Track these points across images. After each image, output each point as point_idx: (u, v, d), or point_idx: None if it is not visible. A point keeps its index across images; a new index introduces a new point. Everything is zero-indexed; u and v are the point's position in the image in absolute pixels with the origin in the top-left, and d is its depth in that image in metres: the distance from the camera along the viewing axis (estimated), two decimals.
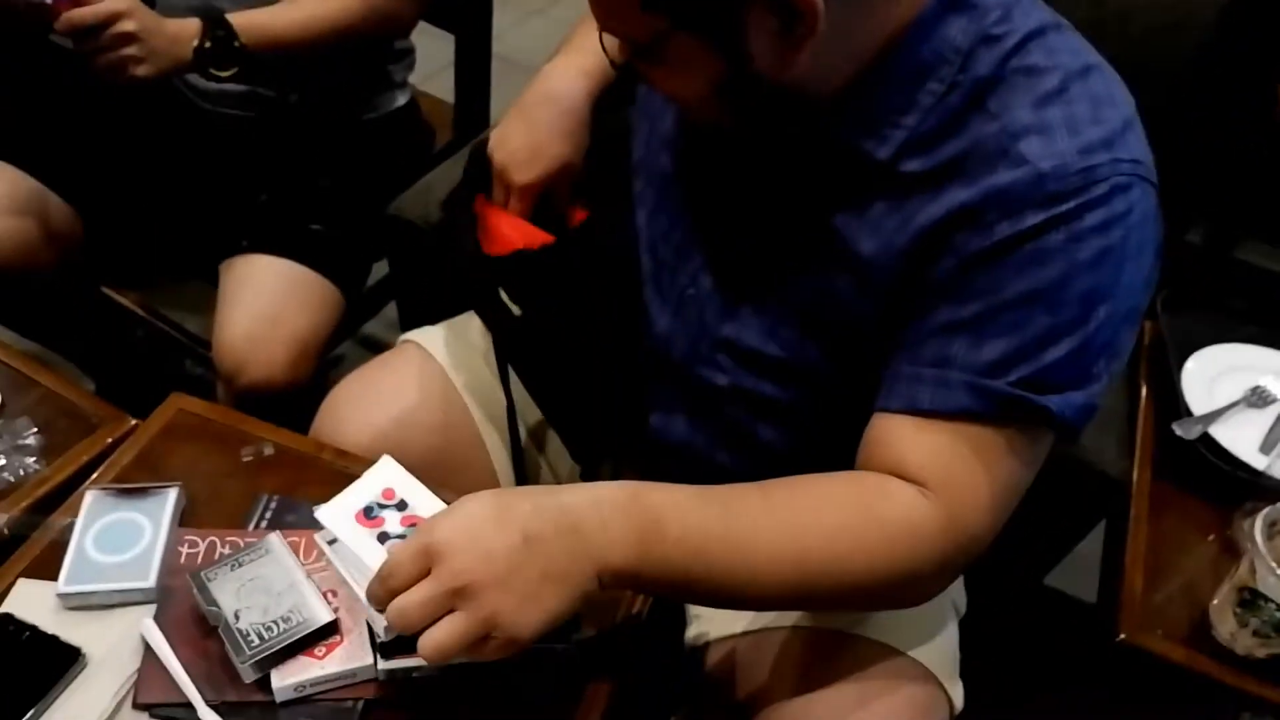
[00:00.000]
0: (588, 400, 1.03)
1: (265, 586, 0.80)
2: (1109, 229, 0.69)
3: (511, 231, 1.00)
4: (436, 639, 0.66)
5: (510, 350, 1.02)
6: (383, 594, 0.69)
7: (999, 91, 0.72)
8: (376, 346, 1.91)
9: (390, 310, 1.66)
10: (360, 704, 0.77)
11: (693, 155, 0.90)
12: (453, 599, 0.66)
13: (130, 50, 1.12)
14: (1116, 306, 0.71)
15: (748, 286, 0.87)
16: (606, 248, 1.00)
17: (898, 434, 0.75)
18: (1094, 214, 0.69)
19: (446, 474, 0.94)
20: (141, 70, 1.14)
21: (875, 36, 0.72)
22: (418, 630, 0.67)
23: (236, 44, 1.19)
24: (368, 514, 0.81)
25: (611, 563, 0.69)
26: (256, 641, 0.76)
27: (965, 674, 0.92)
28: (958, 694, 0.90)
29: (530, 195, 0.98)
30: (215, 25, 1.18)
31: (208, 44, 1.17)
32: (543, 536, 0.68)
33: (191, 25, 1.18)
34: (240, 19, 1.19)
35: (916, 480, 0.73)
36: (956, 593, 0.99)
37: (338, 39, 1.26)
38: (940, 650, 0.90)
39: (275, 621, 0.77)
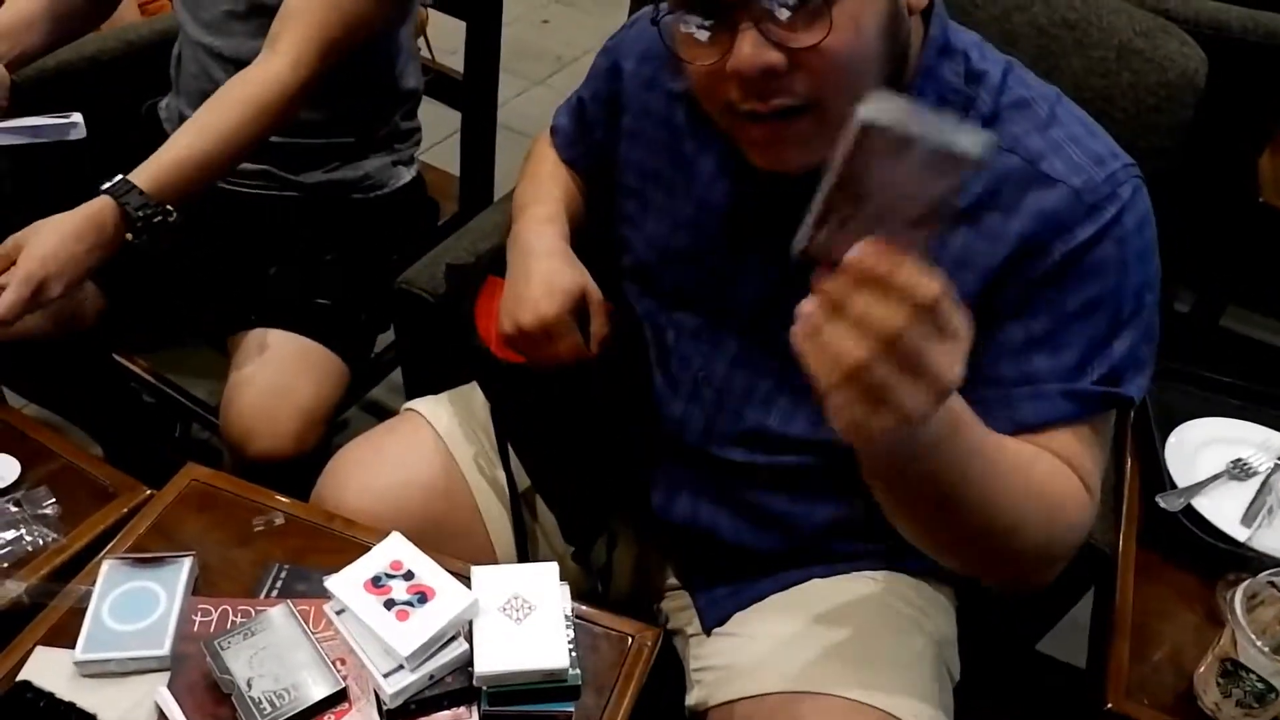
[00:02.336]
0: (583, 483, 1.06)
1: (276, 655, 0.82)
2: (1143, 228, 0.80)
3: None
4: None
5: (508, 430, 1.06)
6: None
7: (1001, 127, 0.81)
8: (380, 411, 1.94)
9: (395, 375, 1.69)
10: None
11: (706, 239, 0.93)
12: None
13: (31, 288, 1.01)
14: (1157, 291, 0.82)
15: (766, 366, 0.90)
16: (611, 338, 1.03)
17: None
18: (1130, 216, 0.79)
19: (444, 540, 0.96)
20: (57, 290, 1.03)
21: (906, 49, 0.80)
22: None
23: (167, 213, 1.10)
24: (375, 583, 0.84)
25: (915, 430, 0.60)
26: (268, 709, 0.78)
27: None
28: None
29: (564, 325, 0.95)
30: (133, 210, 1.08)
31: (137, 227, 1.08)
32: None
33: (97, 218, 1.06)
34: (152, 172, 1.10)
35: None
36: (951, 659, 1.01)
37: (276, 125, 1.19)
38: (935, 715, 0.92)
39: (286, 689, 0.79)
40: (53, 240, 1.04)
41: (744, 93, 0.75)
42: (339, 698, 0.81)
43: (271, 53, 1.19)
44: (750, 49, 0.72)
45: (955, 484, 0.69)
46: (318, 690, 0.80)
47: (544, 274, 0.96)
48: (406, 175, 1.50)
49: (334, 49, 1.20)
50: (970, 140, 0.50)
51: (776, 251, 0.87)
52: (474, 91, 1.61)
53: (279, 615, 0.85)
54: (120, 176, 1.10)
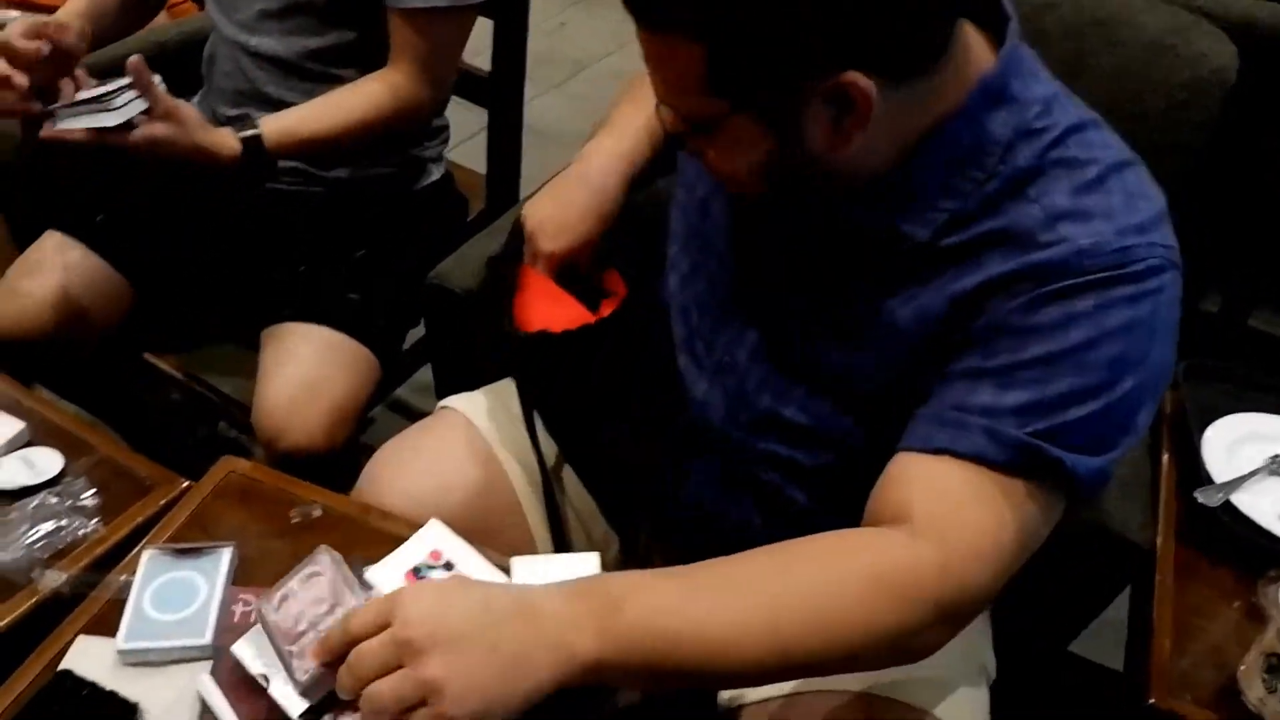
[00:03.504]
0: (621, 469, 1.06)
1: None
2: (1139, 302, 0.72)
3: (547, 307, 1.04)
4: (373, 689, 0.65)
5: (544, 418, 1.06)
6: (337, 641, 0.70)
7: (1038, 181, 0.76)
8: (407, 410, 1.95)
9: (420, 375, 1.70)
10: None
11: (731, 227, 0.94)
12: (400, 652, 0.65)
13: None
14: (1143, 379, 0.73)
15: (784, 359, 0.90)
16: (638, 315, 1.04)
17: (911, 472, 0.76)
18: (1125, 287, 0.72)
19: (486, 537, 0.96)
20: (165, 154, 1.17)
21: (920, 124, 0.76)
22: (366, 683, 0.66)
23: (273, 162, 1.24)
24: (416, 574, 0.83)
25: (572, 648, 0.66)
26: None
27: None
28: None
29: (554, 263, 1.05)
30: (253, 153, 1.22)
31: (244, 161, 1.21)
32: (502, 609, 0.67)
33: (228, 146, 1.21)
34: (271, 126, 1.24)
35: (919, 519, 0.73)
36: (986, 656, 1.00)
37: (362, 136, 1.30)
38: (973, 715, 0.91)
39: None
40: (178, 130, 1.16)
41: None
42: None
43: (413, 68, 1.29)
44: (663, 114, 0.78)
45: (664, 662, 0.68)
46: None
47: (572, 212, 1.04)
48: (436, 172, 1.51)
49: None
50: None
51: (783, 248, 0.88)
52: (501, 89, 1.62)
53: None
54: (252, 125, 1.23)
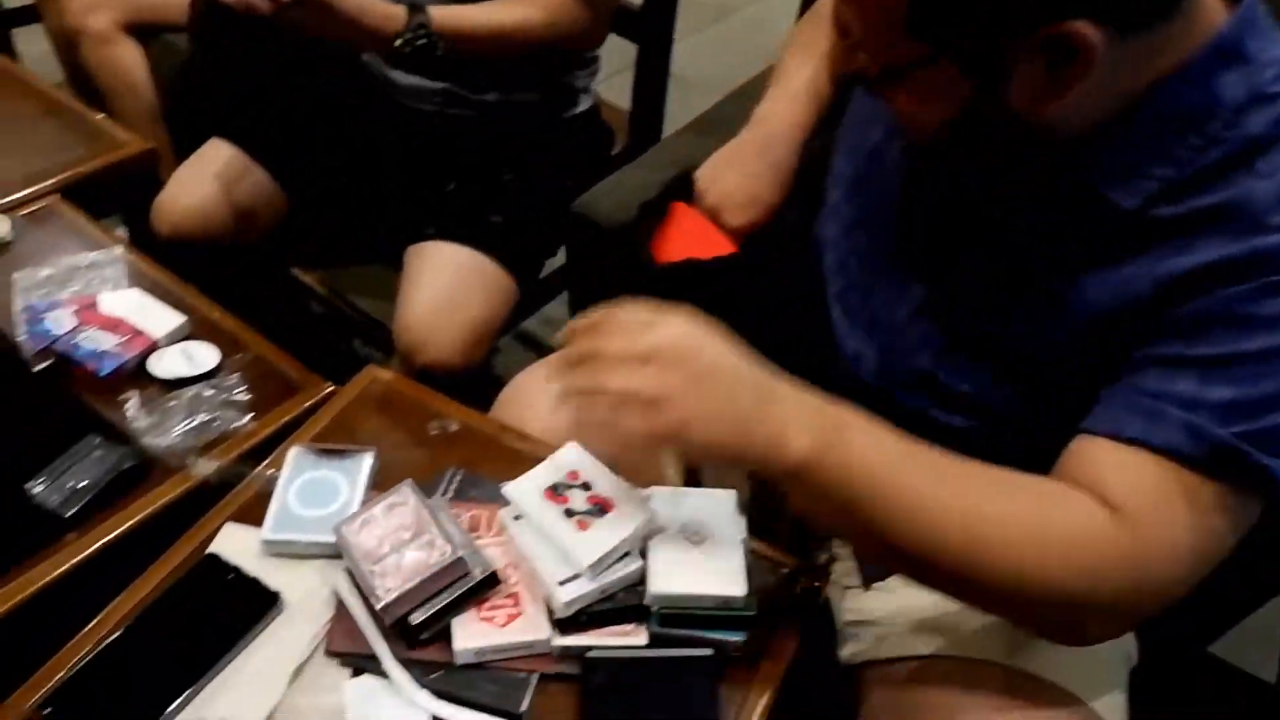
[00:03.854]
0: None
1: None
2: None
3: (697, 244, 1.02)
4: (605, 369, 0.69)
5: None
6: (597, 316, 0.72)
7: (1271, 154, 0.68)
8: (533, 343, 1.96)
9: (549, 309, 1.70)
10: (535, 677, 0.79)
11: (905, 177, 0.89)
12: (649, 356, 0.68)
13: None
14: None
15: (949, 321, 0.85)
16: (790, 260, 1.01)
17: (1102, 459, 0.71)
18: None
19: (619, 466, 0.95)
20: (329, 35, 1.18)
21: (1139, 82, 0.69)
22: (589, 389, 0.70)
23: (434, 44, 1.23)
24: (555, 491, 0.83)
25: (787, 443, 0.68)
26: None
27: None
28: None
29: (743, 235, 1.02)
30: (418, 25, 1.22)
31: (407, 36, 1.21)
32: (751, 377, 0.70)
33: (397, 18, 1.22)
34: (438, 12, 1.24)
35: (1119, 508, 0.69)
36: (1129, 641, 0.95)
37: (521, 46, 1.30)
38: (1114, 699, 0.86)
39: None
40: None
41: None
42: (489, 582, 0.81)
43: None
44: (843, 56, 0.74)
45: (857, 506, 0.69)
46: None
47: (760, 184, 1.01)
48: (584, 103, 1.50)
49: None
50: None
51: (963, 204, 0.83)
52: (652, 24, 1.59)
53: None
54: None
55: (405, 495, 0.83)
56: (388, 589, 0.77)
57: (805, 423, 0.69)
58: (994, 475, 0.72)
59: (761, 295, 1.01)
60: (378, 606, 0.77)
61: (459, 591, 0.79)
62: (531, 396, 1.06)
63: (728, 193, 1.02)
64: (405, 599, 0.77)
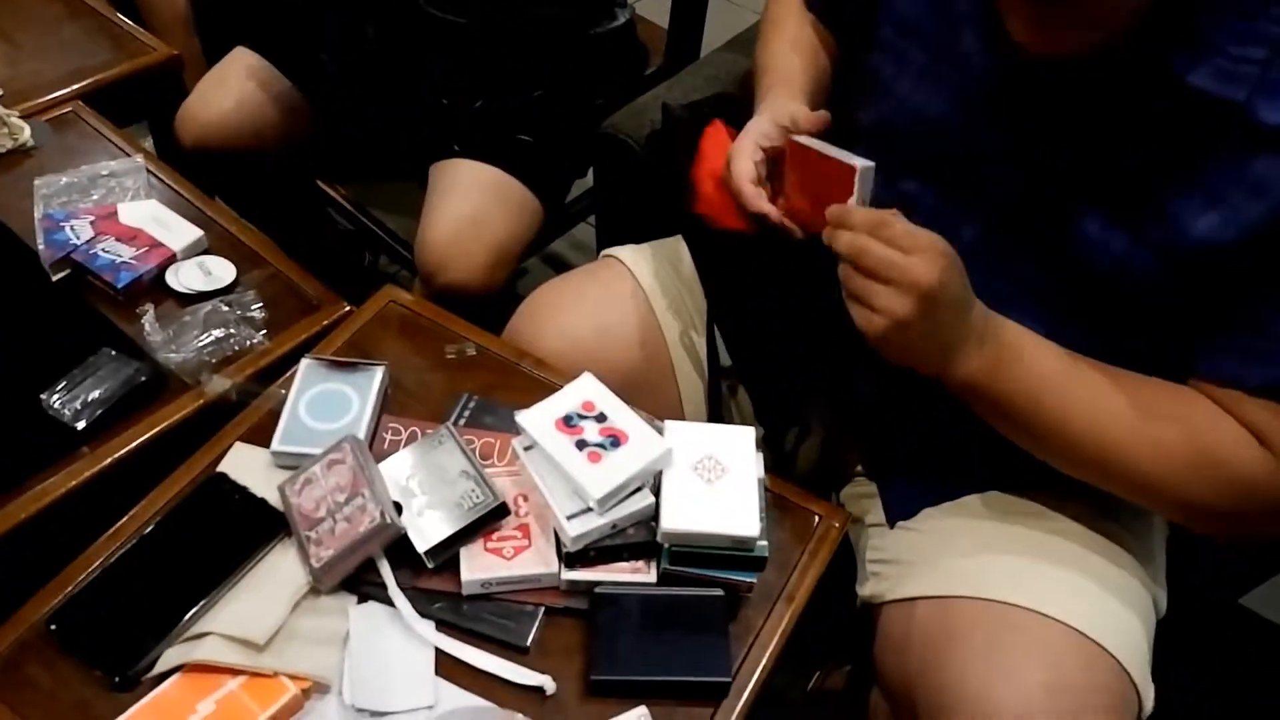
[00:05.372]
0: (784, 364, 1.00)
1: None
2: None
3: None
4: (876, 300, 0.73)
5: (715, 299, 1.01)
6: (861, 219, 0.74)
7: None
8: (561, 264, 1.93)
9: (577, 232, 1.67)
10: (541, 610, 0.78)
11: (971, 108, 0.83)
12: (901, 273, 0.72)
13: None
14: None
15: (1008, 269, 0.81)
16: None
17: (1228, 403, 0.74)
18: None
19: (635, 394, 0.93)
20: None
21: None
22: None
23: None
24: (567, 422, 0.81)
25: (961, 364, 0.77)
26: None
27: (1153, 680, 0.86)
28: (1149, 696, 0.84)
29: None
30: None
31: None
32: (965, 317, 0.76)
33: None
34: None
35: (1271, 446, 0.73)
36: (1158, 591, 0.92)
37: None
38: (1137, 648, 0.84)
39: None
40: None
41: None
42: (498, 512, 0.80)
43: None
44: None
45: (1029, 407, 0.77)
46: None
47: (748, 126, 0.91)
48: (621, 17, 1.43)
49: None
50: None
51: (1034, 141, 0.78)
52: None
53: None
54: None
55: (344, 453, 0.81)
56: (320, 557, 0.77)
57: (978, 358, 0.77)
58: (1158, 401, 0.76)
59: (795, 264, 0.96)
60: (311, 573, 0.77)
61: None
62: (552, 310, 1.03)
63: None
64: (336, 565, 0.77)
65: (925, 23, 0.85)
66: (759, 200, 0.87)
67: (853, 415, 0.99)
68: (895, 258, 0.72)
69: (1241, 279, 0.71)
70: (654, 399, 1.01)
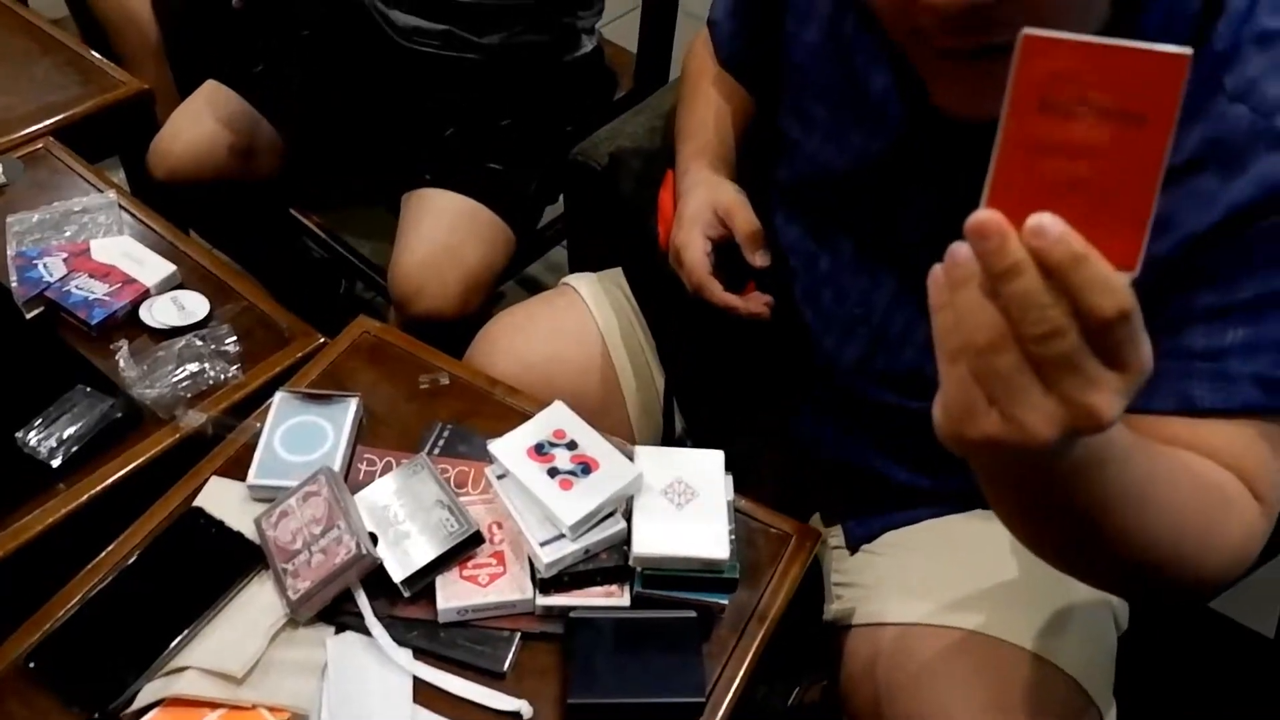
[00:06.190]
0: (721, 400, 1.03)
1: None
2: None
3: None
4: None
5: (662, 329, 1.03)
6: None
7: (1234, 67, 0.65)
8: (537, 288, 1.95)
9: (553, 254, 1.68)
10: (517, 635, 0.79)
11: (877, 162, 0.83)
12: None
13: None
14: None
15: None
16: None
17: (1179, 435, 0.68)
18: None
19: (588, 420, 0.95)
20: None
21: None
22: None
23: None
24: (539, 450, 0.82)
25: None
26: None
27: (1119, 692, 0.87)
28: (1110, 715, 0.85)
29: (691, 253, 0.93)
30: None
31: None
32: None
33: None
34: None
35: (1256, 493, 0.67)
36: (1119, 605, 0.94)
37: None
38: (1096, 666, 0.85)
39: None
40: None
41: (940, 27, 0.62)
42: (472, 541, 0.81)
43: None
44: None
45: (1089, 521, 0.56)
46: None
47: (685, 211, 0.93)
48: (587, 44, 1.46)
49: None
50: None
51: (948, 187, 0.78)
52: None
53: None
54: None
55: (320, 485, 0.82)
56: (297, 589, 0.77)
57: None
58: (1179, 477, 0.64)
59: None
60: (288, 605, 0.78)
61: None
62: (509, 335, 1.06)
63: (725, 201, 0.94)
64: (312, 596, 0.77)
65: (825, 76, 0.85)
66: (726, 296, 0.90)
67: (796, 458, 1.00)
68: (1095, 370, 0.45)
69: (1161, 308, 0.69)
70: (602, 420, 1.02)
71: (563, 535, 0.78)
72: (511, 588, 0.80)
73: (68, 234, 1.10)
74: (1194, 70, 0.62)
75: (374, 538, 0.80)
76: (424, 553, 0.79)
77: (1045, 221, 0.42)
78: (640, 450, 0.84)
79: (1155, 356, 0.65)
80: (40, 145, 1.24)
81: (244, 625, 0.77)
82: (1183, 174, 0.67)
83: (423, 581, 0.79)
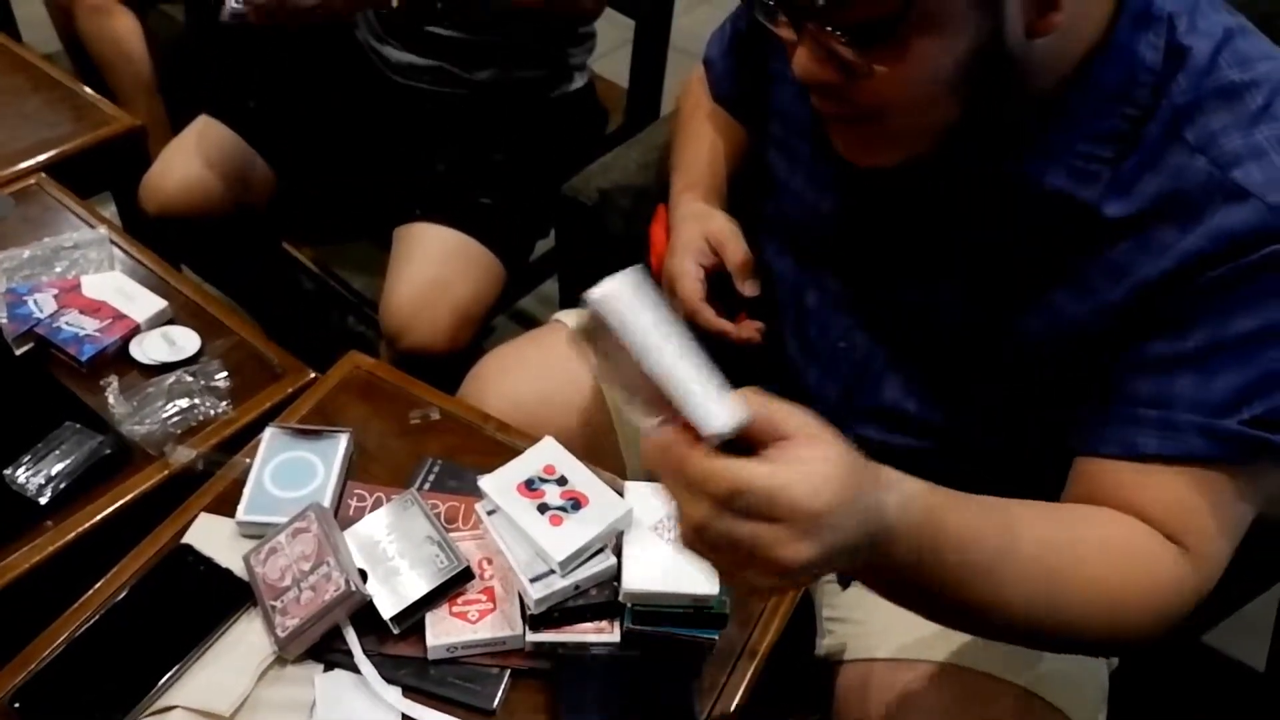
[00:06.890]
0: None
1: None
2: None
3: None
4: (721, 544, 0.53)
5: None
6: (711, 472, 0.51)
7: (1196, 120, 0.67)
8: (529, 321, 1.95)
9: (545, 287, 1.69)
10: (507, 672, 0.79)
11: (855, 203, 0.85)
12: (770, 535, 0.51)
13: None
14: None
15: (914, 349, 0.84)
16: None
17: (1124, 482, 0.69)
18: None
19: (579, 457, 0.95)
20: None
21: (1086, 35, 0.68)
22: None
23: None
24: (529, 486, 0.83)
25: (885, 556, 0.57)
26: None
27: None
28: None
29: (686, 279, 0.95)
30: None
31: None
32: (868, 525, 0.56)
33: None
34: None
35: (1172, 536, 0.67)
36: None
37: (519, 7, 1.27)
38: (1088, 700, 0.86)
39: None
40: None
41: (812, 93, 0.71)
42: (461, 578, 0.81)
43: None
44: (805, 60, 0.67)
45: (946, 597, 0.61)
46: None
47: (678, 240, 0.95)
48: (579, 80, 1.47)
49: None
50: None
51: (909, 227, 0.81)
52: (649, 1, 1.55)
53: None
54: None
55: (309, 521, 0.82)
56: (285, 626, 0.77)
57: (907, 545, 0.58)
58: (1074, 531, 0.67)
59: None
60: (277, 642, 0.77)
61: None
62: (499, 374, 1.06)
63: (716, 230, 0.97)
64: (301, 633, 0.77)
65: (806, 117, 0.86)
66: (719, 322, 0.91)
67: None
68: (753, 537, 0.50)
69: (1114, 354, 0.71)
70: (595, 458, 1.02)
71: (552, 571, 0.78)
72: (501, 624, 0.79)
73: (58, 270, 1.10)
74: (1153, 123, 0.65)
75: (364, 574, 0.80)
76: (414, 589, 0.79)
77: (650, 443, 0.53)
78: (631, 486, 0.84)
79: (1105, 402, 0.68)
80: (32, 181, 1.24)
81: (232, 663, 0.77)
82: (1139, 223, 0.68)
83: (412, 618, 0.79)
